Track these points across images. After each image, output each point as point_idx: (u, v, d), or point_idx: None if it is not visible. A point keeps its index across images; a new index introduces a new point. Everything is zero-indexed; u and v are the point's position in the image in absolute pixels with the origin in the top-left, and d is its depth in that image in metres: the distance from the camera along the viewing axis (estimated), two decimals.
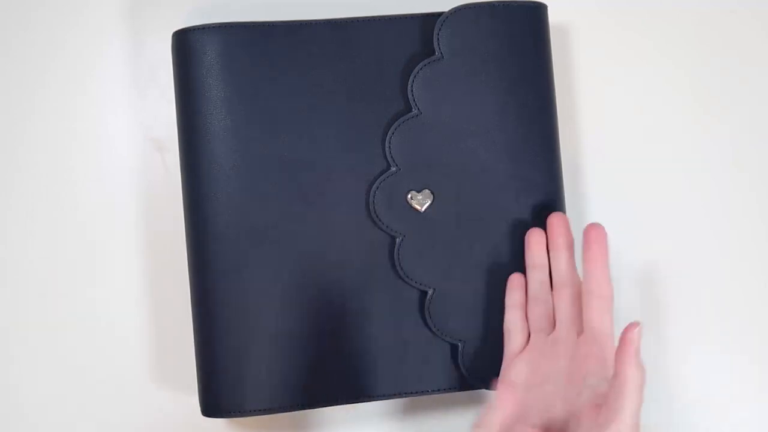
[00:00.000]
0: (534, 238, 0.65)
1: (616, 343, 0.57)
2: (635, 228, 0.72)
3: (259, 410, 0.64)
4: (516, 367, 0.63)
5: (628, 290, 0.72)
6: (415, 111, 0.65)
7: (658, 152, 0.73)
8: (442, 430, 0.71)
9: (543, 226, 0.66)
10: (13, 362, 0.70)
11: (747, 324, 0.72)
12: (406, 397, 0.66)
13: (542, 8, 0.68)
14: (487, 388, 0.66)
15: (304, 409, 0.65)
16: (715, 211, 0.73)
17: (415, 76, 0.65)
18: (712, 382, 0.72)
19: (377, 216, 0.65)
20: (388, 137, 0.65)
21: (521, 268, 0.66)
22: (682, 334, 0.72)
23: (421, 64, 0.65)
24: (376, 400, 0.66)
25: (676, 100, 0.74)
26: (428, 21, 0.66)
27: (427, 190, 0.65)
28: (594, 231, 0.62)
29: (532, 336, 0.64)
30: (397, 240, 0.65)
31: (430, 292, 0.65)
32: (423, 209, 0.65)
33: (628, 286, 0.72)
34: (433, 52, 0.66)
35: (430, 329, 0.65)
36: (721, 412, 0.71)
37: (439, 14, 0.66)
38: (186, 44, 0.66)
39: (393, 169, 0.65)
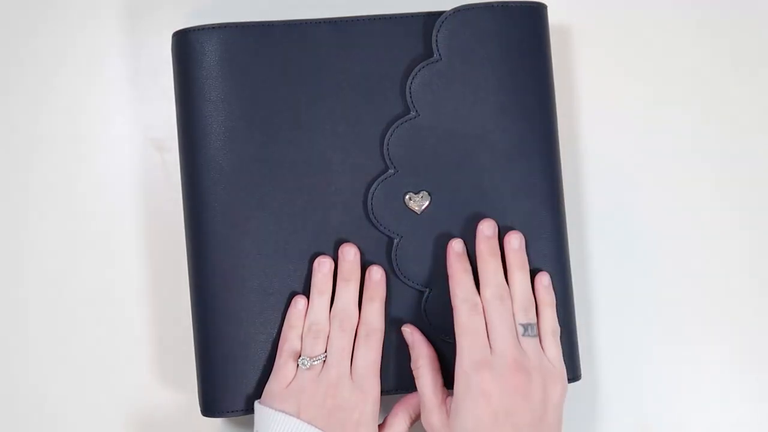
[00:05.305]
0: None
1: None
2: (635, 228, 0.73)
3: None
4: None
5: (634, 289, 0.72)
6: (413, 113, 0.65)
7: (659, 152, 0.73)
8: None
9: (541, 226, 0.66)
10: (14, 361, 0.71)
11: (754, 322, 0.72)
12: (403, 394, 0.66)
13: (542, 8, 0.67)
14: None
15: None
16: (717, 211, 0.73)
17: (413, 78, 0.65)
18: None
19: (375, 217, 0.65)
20: (386, 139, 0.65)
21: None
22: (690, 335, 0.72)
23: (419, 66, 0.65)
24: None
25: (676, 99, 0.74)
26: (430, 20, 0.66)
27: (424, 192, 0.66)
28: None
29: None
30: (395, 241, 0.65)
31: (426, 292, 0.66)
32: (420, 211, 0.66)
33: (632, 284, 0.72)
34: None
35: (426, 328, 0.66)
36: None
37: (441, 13, 0.66)
38: (186, 44, 0.66)
39: (391, 170, 0.65)
